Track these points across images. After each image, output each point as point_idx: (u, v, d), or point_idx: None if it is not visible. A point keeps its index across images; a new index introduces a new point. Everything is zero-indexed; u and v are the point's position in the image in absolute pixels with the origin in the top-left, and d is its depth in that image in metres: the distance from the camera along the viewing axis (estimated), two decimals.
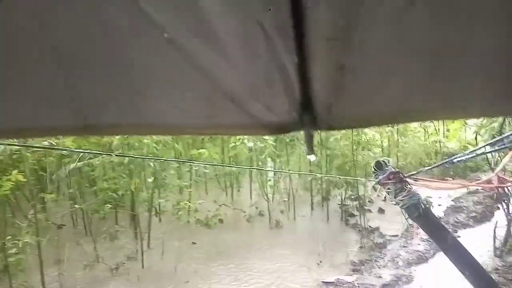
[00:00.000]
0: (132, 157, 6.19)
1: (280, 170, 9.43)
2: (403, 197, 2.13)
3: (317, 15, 0.42)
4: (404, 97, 0.51)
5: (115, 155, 6.15)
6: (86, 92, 0.51)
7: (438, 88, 0.48)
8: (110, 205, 7.01)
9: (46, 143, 4.39)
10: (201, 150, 7.42)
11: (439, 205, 9.40)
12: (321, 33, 0.44)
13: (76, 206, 6.92)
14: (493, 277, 3.75)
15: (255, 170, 9.32)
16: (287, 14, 0.41)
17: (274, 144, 9.09)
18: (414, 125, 13.46)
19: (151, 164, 6.52)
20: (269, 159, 9.24)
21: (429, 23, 0.42)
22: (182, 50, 0.46)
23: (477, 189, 9.26)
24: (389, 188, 2.26)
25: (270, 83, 0.50)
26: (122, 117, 0.56)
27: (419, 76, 0.47)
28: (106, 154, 6.14)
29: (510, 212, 6.32)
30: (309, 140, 0.64)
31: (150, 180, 7.06)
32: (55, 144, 4.76)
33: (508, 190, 6.10)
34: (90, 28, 0.43)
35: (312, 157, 1.02)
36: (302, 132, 0.57)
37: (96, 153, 6.46)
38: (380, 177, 2.29)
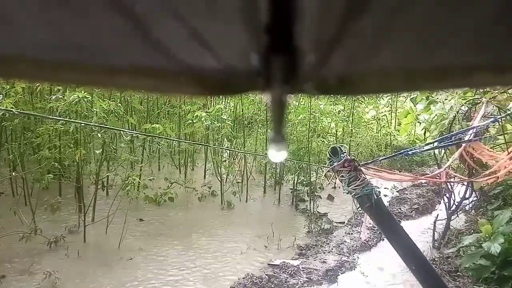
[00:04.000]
0: (89, 124, 5.83)
1: (237, 150, 9.36)
2: (356, 186, 2.11)
3: None
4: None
5: (63, 120, 5.78)
6: None
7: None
8: (54, 175, 6.63)
9: None
10: (155, 125, 7.16)
11: (385, 195, 9.76)
12: None
13: (14, 174, 6.48)
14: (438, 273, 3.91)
15: (210, 149, 9.19)
16: None
17: (231, 124, 9.00)
18: (368, 116, 13.86)
19: (99, 135, 6.20)
20: (225, 140, 9.14)
21: None
22: None
23: (421, 182, 9.70)
24: (342, 176, 2.23)
25: None
26: None
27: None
28: (51, 118, 5.77)
29: (451, 206, 6.65)
30: (279, 111, 0.36)
31: (98, 152, 6.74)
32: None
33: (451, 185, 6.41)
34: None
35: (279, 155, 0.44)
36: (262, 95, 0.31)
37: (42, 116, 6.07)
38: (335, 164, 2.25)
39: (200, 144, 9.62)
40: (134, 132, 7.16)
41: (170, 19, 0.25)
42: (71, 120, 5.86)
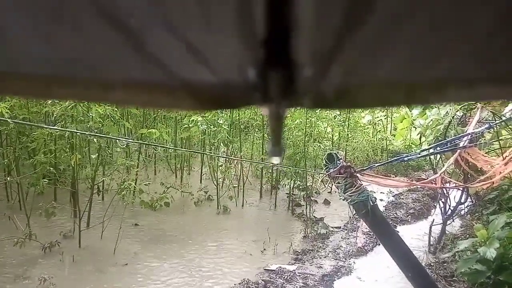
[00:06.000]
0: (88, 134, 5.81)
1: (232, 157, 9.35)
2: (352, 193, 2.12)
3: None
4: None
5: (58, 129, 5.76)
6: None
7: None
8: (49, 180, 6.59)
9: None
10: (151, 130, 7.14)
11: (380, 200, 9.78)
12: None
13: (8, 178, 6.43)
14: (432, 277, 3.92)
15: (207, 154, 9.18)
16: None
17: (228, 129, 9.00)
18: (364, 121, 13.91)
19: (95, 140, 6.18)
20: (221, 144, 9.14)
21: None
22: None
23: (417, 187, 9.73)
24: (338, 183, 2.24)
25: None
26: None
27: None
28: (50, 128, 5.75)
29: (446, 211, 6.66)
30: (276, 124, 0.35)
31: (93, 156, 6.71)
32: None
33: (447, 191, 6.43)
34: None
35: (276, 159, 0.46)
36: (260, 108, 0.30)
37: (40, 126, 6.04)
38: (331, 170, 2.25)
39: (196, 152, 9.62)
40: (130, 140, 7.12)
41: (165, 33, 0.25)
42: (65, 129, 5.84)
